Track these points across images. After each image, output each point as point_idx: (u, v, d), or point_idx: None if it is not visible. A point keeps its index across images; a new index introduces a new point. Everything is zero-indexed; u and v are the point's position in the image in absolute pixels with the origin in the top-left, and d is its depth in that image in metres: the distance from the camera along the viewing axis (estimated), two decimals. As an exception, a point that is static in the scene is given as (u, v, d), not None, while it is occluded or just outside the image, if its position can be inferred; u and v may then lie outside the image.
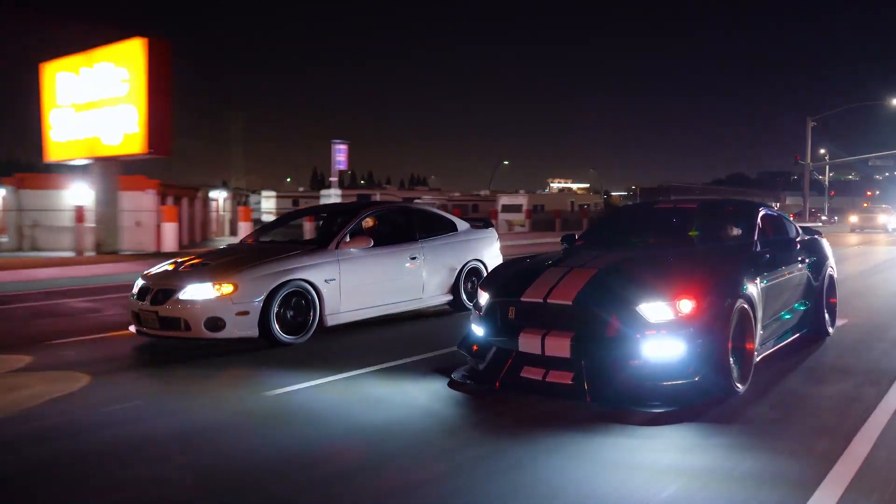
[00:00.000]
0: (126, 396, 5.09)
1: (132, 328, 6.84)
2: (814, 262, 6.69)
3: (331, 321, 7.10)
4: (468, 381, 5.15)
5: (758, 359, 5.26)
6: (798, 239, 6.62)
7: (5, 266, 13.22)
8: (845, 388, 5.20)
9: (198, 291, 6.37)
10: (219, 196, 31.98)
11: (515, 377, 4.78)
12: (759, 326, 5.21)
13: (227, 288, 6.39)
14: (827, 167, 63.88)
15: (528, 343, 4.73)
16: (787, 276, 6.01)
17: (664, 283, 4.66)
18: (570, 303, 4.69)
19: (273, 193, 50.29)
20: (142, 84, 11.96)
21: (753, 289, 5.14)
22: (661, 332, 4.46)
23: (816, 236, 7.30)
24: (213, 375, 5.77)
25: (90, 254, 16.03)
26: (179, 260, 7.29)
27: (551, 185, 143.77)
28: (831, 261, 7.21)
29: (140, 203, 20.22)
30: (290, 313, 6.73)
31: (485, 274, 8.31)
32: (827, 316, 6.85)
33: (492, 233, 9.45)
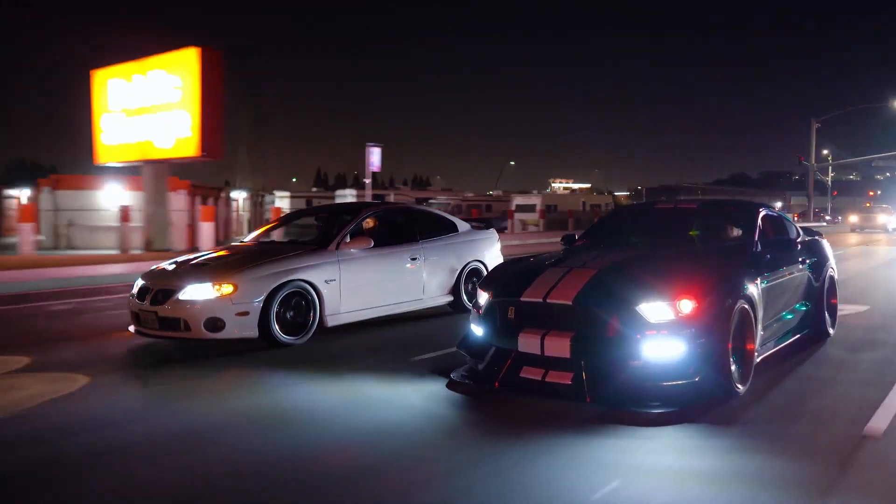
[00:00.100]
0: (125, 397, 5.09)
1: (132, 328, 6.84)
2: (814, 263, 6.68)
3: (331, 322, 7.09)
4: (467, 382, 5.15)
5: (758, 359, 5.25)
6: (798, 240, 6.62)
7: (65, 263, 13.65)
8: (847, 389, 5.19)
9: (197, 292, 6.37)
10: (238, 196, 32.88)
11: (515, 377, 4.77)
12: (759, 327, 5.21)
13: (227, 288, 6.39)
14: (830, 168, 64.04)
15: (528, 343, 4.72)
16: (788, 277, 6.00)
17: (664, 283, 4.66)
18: (569, 303, 4.68)
19: (287, 194, 50.50)
20: (195, 91, 12.50)
21: (754, 289, 5.14)
22: (662, 333, 4.45)
23: (817, 237, 7.30)
24: (212, 376, 5.77)
25: (136, 251, 16.14)
26: (179, 260, 7.30)
27: (552, 185, 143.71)
28: (832, 261, 7.20)
29: (171, 203, 20.48)
30: (290, 314, 6.73)
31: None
32: (828, 317, 6.84)
33: (492, 234, 9.44)
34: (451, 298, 8.52)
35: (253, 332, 6.47)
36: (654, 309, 4.50)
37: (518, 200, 42.52)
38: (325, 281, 7.02)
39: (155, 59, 13.27)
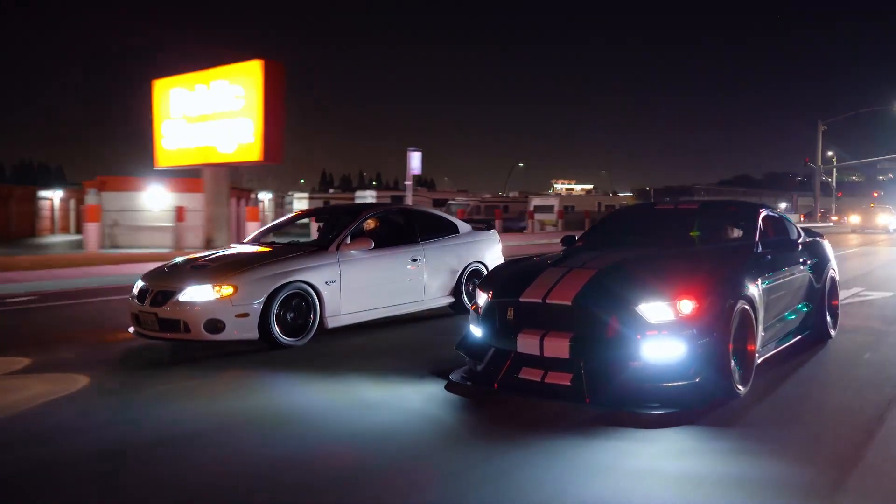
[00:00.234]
0: (124, 398, 5.08)
1: (132, 330, 6.83)
2: (815, 264, 6.65)
3: (331, 323, 7.08)
4: (466, 383, 5.13)
5: (759, 361, 5.22)
6: (799, 240, 6.59)
7: (132, 259, 14.09)
8: (849, 389, 5.17)
9: (197, 293, 6.37)
10: (265, 198, 33.88)
11: (514, 378, 4.75)
12: (760, 328, 5.18)
13: (227, 290, 6.38)
14: (835, 170, 64.31)
15: (527, 344, 4.70)
16: (789, 278, 5.98)
17: (664, 284, 4.64)
18: (569, 303, 4.66)
19: (305, 195, 50.86)
20: (258, 100, 13.31)
21: (755, 290, 5.12)
22: (661, 333, 4.43)
23: (818, 238, 7.28)
24: (212, 377, 5.76)
25: (189, 249, 16.50)
26: (179, 261, 7.30)
27: (555, 186, 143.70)
28: (833, 263, 7.18)
29: (196, 205, 21.82)
30: (290, 315, 6.72)
31: (486, 276, 8.28)
32: (829, 318, 6.81)
33: (493, 235, 9.43)
34: (451, 300, 8.50)
35: (253, 334, 6.46)
36: (654, 309, 4.48)
37: (536, 202, 43.27)
38: (326, 282, 7.01)
39: (217, 70, 14.17)
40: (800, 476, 3.54)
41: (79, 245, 23.24)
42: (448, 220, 9.12)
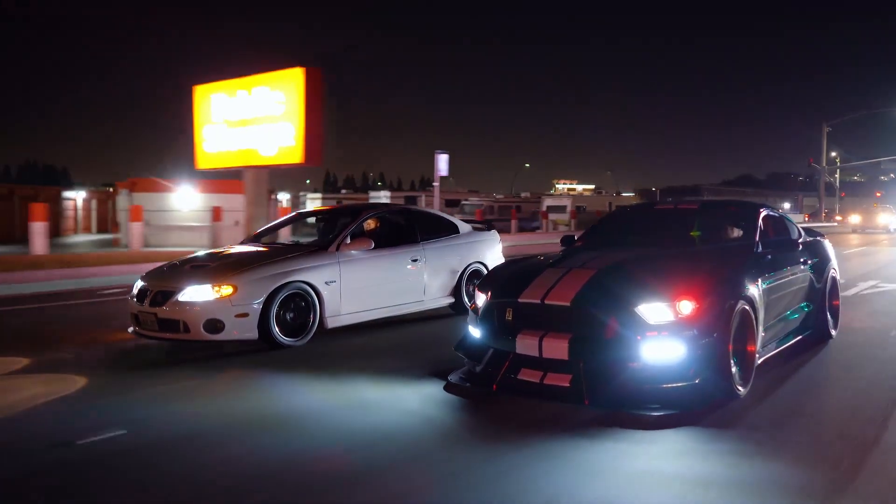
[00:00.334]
0: (122, 399, 5.07)
1: (131, 330, 6.83)
2: (816, 264, 6.63)
3: (331, 323, 7.07)
4: (465, 384, 5.11)
5: (759, 361, 5.19)
6: (800, 240, 6.57)
7: (174, 257, 14.33)
8: (850, 390, 5.15)
9: (197, 293, 6.36)
10: (283, 197, 34.90)
11: (513, 379, 4.73)
12: (760, 328, 5.16)
13: (227, 290, 6.38)
14: (839, 171, 64.74)
15: (526, 345, 4.68)
16: (789, 278, 5.96)
17: (664, 284, 4.62)
18: (568, 304, 4.64)
19: (319, 195, 51.16)
20: (300, 105, 14.02)
21: (755, 290, 5.09)
22: (661, 334, 4.41)
23: (819, 238, 7.25)
24: (211, 378, 5.75)
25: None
26: (179, 261, 7.29)
27: (556, 186, 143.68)
28: (834, 262, 7.15)
29: (236, 204, 22.27)
30: (289, 315, 6.71)
31: (487, 276, 8.27)
32: (829, 318, 6.79)
33: (494, 235, 9.41)
34: (452, 300, 8.49)
35: (252, 334, 6.46)
36: (654, 310, 4.46)
37: (549, 202, 43.90)
38: (326, 282, 7.00)
39: (259, 76, 14.98)
40: (800, 478, 3.52)
41: (108, 244, 24.56)
42: (448, 220, 9.10)
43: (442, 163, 25.70)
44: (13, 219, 28.08)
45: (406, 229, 8.35)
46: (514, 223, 29.07)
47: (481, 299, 5.20)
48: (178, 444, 4.12)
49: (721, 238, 6.22)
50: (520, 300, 4.87)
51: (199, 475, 3.67)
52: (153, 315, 6.44)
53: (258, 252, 7.30)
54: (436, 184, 26.60)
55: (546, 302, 4.72)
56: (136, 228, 18.87)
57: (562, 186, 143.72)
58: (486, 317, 5.08)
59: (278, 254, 7.07)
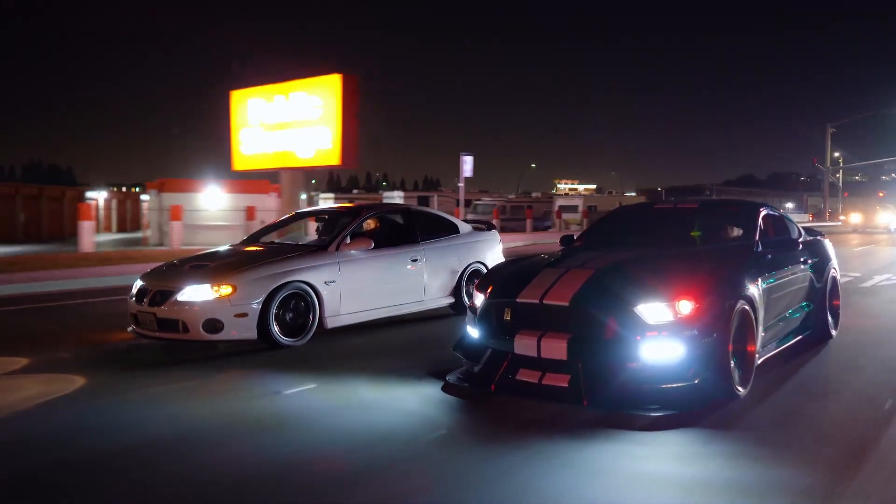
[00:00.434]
0: (121, 399, 5.06)
1: (130, 329, 6.82)
2: (816, 264, 6.61)
3: (331, 323, 7.06)
4: (463, 384, 5.09)
5: (759, 361, 5.17)
6: (800, 240, 6.55)
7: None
8: (851, 390, 5.13)
9: (196, 293, 6.35)
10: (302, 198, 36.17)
11: (511, 380, 4.71)
12: (760, 328, 5.14)
13: (226, 289, 6.37)
14: (842, 171, 65.25)
15: (524, 345, 4.66)
16: (789, 278, 5.93)
17: (663, 284, 4.60)
18: (566, 304, 4.62)
19: (331, 195, 51.41)
20: (337, 110, 14.61)
21: (755, 290, 5.07)
22: (660, 334, 4.39)
23: (819, 237, 7.23)
24: (210, 378, 5.74)
25: None
26: (178, 260, 7.28)
27: (558, 185, 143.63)
28: (834, 262, 7.13)
29: (264, 204, 23.39)
30: (289, 315, 6.70)
31: (486, 276, 8.25)
32: (830, 318, 6.77)
33: (494, 235, 9.40)
34: (452, 300, 8.47)
35: (252, 334, 6.45)
36: (653, 310, 4.44)
37: (561, 202, 44.82)
38: (325, 282, 6.99)
39: (296, 82, 15.61)
40: (800, 480, 3.50)
41: (137, 242, 25.59)
42: (448, 220, 9.09)
43: (467, 164, 26.64)
44: (40, 218, 29.18)
45: (406, 229, 8.33)
46: (529, 222, 30.78)
47: (479, 299, 5.18)
48: (178, 444, 4.12)
49: (721, 238, 6.20)
50: (518, 300, 4.85)
51: (199, 475, 3.66)
52: (152, 315, 6.43)
53: (257, 252, 7.29)
54: (461, 184, 27.61)
55: (545, 302, 4.70)
56: (176, 227, 19.98)
57: (563, 186, 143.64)
58: (485, 317, 5.06)
59: (278, 253, 7.06)
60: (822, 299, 6.63)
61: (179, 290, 6.39)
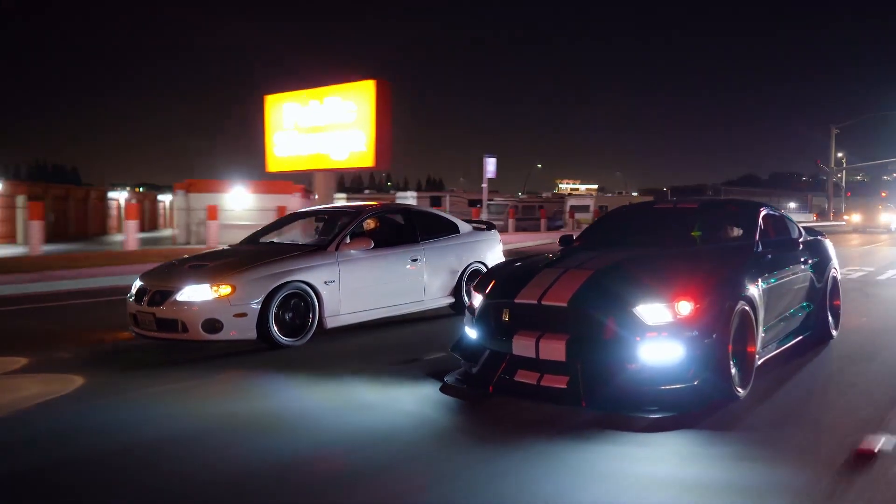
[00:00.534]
0: (119, 399, 5.05)
1: (130, 329, 6.81)
2: (816, 264, 6.58)
3: (330, 323, 7.05)
4: (461, 385, 5.07)
5: (759, 362, 5.14)
6: (801, 239, 6.52)
7: None
8: (851, 391, 5.10)
9: (195, 293, 6.34)
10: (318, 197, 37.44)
11: (509, 381, 4.69)
12: (760, 329, 5.11)
13: (225, 289, 6.36)
14: (844, 171, 65.64)
15: (522, 346, 4.64)
16: (790, 278, 5.91)
17: (662, 284, 4.58)
18: (564, 304, 4.60)
19: (343, 195, 51.76)
20: (371, 114, 15.32)
21: (755, 290, 5.05)
22: (659, 335, 4.37)
23: (819, 237, 7.20)
24: (209, 378, 5.72)
25: None
26: (177, 260, 7.27)
27: (560, 185, 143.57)
28: (835, 262, 7.10)
29: (289, 204, 24.21)
30: (288, 315, 6.69)
31: (487, 276, 8.23)
32: (830, 318, 6.74)
33: (494, 235, 9.38)
34: (452, 300, 8.46)
35: (251, 334, 6.44)
36: (652, 311, 4.42)
37: (572, 202, 45.73)
38: (325, 282, 6.97)
39: (331, 87, 16.37)
40: (801, 481, 3.48)
41: (162, 241, 26.21)
42: (448, 219, 9.07)
43: (490, 165, 27.83)
44: (66, 218, 29.90)
45: (406, 229, 8.32)
46: (543, 222, 32.96)
47: (478, 300, 5.16)
48: (177, 444, 4.11)
49: (721, 238, 6.18)
50: (516, 301, 4.83)
51: (199, 475, 3.65)
52: (151, 315, 6.42)
53: (257, 251, 7.28)
54: (484, 185, 28.94)
55: (543, 303, 4.68)
56: (213, 226, 20.90)
57: (565, 186, 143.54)
58: (483, 317, 5.04)
59: (277, 253, 7.05)
60: (823, 299, 6.61)
61: (179, 289, 6.38)
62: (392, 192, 57.63)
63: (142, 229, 37.80)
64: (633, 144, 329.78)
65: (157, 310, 6.38)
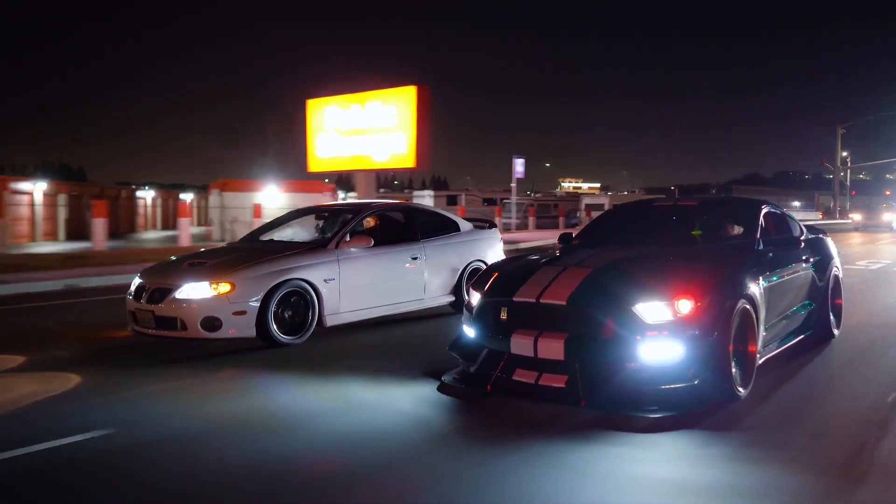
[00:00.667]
0: (117, 398, 5.03)
1: (129, 327, 6.79)
2: (818, 262, 6.53)
3: (330, 321, 7.03)
4: (459, 385, 5.04)
5: (760, 361, 5.10)
6: (802, 238, 6.48)
7: None
8: (853, 391, 5.07)
9: (194, 290, 6.31)
10: (340, 196, 39.87)
11: (507, 380, 4.66)
12: (761, 328, 5.07)
13: (224, 287, 6.33)
14: (849, 170, 65.95)
15: (521, 345, 4.60)
16: (791, 276, 5.87)
17: (662, 283, 4.54)
18: (563, 303, 4.56)
19: (355, 195, 52.10)
20: (412, 118, 16.20)
21: (755, 289, 5.01)
22: (659, 334, 4.33)
23: (821, 235, 7.15)
24: (207, 377, 5.70)
25: None
26: (177, 258, 7.25)
27: (562, 184, 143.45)
28: (836, 260, 7.05)
29: (321, 203, 24.00)
30: (288, 313, 6.66)
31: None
32: (832, 317, 6.70)
33: (495, 233, 9.35)
34: (452, 298, 8.43)
35: (250, 332, 6.42)
36: (652, 309, 4.38)
37: (587, 200, 47.04)
38: (325, 280, 6.95)
39: (371, 92, 17.25)
40: (801, 483, 3.44)
41: (197, 238, 26.47)
42: (449, 218, 9.04)
43: (518, 166, 29.27)
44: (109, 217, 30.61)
45: (406, 227, 8.29)
46: (561, 220, 34.96)
47: (475, 298, 5.13)
48: (176, 443, 4.09)
49: (721, 236, 6.14)
50: (514, 299, 4.79)
51: (197, 475, 3.64)
52: (150, 312, 6.40)
53: (256, 249, 7.26)
54: (513, 185, 30.36)
55: (541, 301, 4.64)
56: (257, 224, 21.25)
57: (567, 185, 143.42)
58: (481, 316, 5.00)
59: (277, 251, 7.02)
60: (825, 298, 6.56)
61: (178, 287, 6.36)
62: (405, 191, 57.69)
63: (165, 227, 39.17)
64: (632, 144, 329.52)
65: (156, 307, 6.36)
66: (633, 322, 4.37)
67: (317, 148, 18.45)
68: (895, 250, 19.67)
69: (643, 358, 4.32)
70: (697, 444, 3.98)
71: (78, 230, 29.17)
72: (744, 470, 3.63)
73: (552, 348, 4.48)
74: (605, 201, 45.19)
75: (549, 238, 24.78)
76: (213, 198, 28.09)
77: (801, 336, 6.16)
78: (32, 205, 27.21)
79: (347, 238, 7.33)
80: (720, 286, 4.69)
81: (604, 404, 4.37)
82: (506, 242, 21.66)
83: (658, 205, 7.19)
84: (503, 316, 4.85)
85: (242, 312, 6.34)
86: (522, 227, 32.71)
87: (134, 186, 43.53)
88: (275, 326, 6.52)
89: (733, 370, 4.57)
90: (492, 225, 9.58)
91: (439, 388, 5.06)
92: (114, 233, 30.25)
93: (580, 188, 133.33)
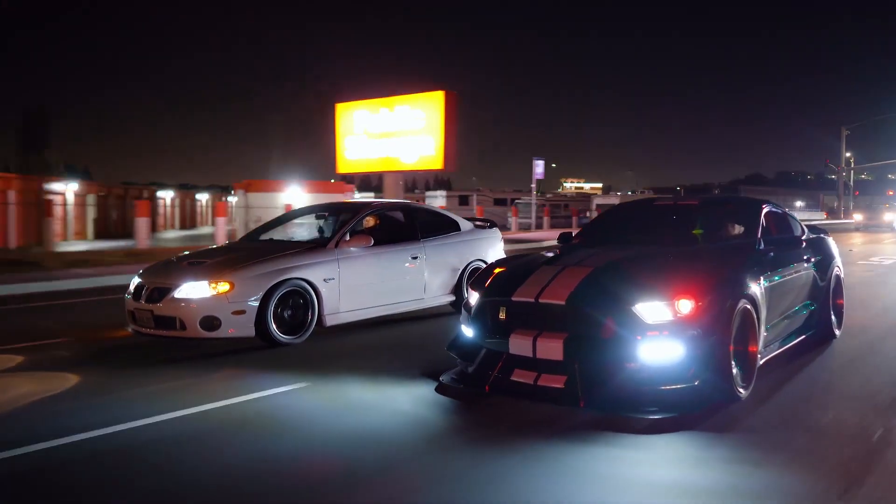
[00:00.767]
0: (115, 398, 5.02)
1: (128, 327, 6.78)
2: (819, 262, 6.50)
3: (330, 321, 7.01)
4: (458, 385, 5.01)
5: (761, 362, 5.07)
6: (803, 237, 6.45)
7: None
8: (854, 391, 5.04)
9: (193, 290, 6.30)
10: (356, 196, 39.31)
11: (506, 380, 4.62)
12: (762, 328, 5.04)
13: (224, 286, 6.32)
14: (852, 171, 66.21)
15: (519, 345, 4.58)
16: (792, 276, 5.84)
17: (662, 283, 4.51)
18: (562, 303, 4.53)
19: (371, 195, 52.25)
20: (440, 122, 16.86)
21: (756, 288, 4.98)
22: (659, 334, 4.30)
23: (822, 235, 7.12)
24: (206, 377, 5.68)
25: None
26: (176, 257, 7.24)
27: (564, 184, 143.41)
28: (838, 260, 7.02)
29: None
30: (287, 313, 6.65)
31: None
32: (833, 317, 6.67)
33: (495, 232, 9.33)
34: (452, 298, 8.41)
35: (250, 332, 6.40)
36: (652, 309, 4.35)
37: (598, 201, 48.03)
38: (324, 279, 6.93)
39: (400, 97, 17.96)
40: (801, 485, 3.42)
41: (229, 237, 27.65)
42: (449, 217, 9.02)
43: (538, 167, 30.31)
44: (124, 216, 32.15)
45: (406, 226, 8.27)
46: (574, 220, 36.00)
47: (474, 297, 5.10)
48: (175, 443, 4.08)
49: (722, 235, 6.11)
50: (513, 299, 4.76)
51: (196, 475, 3.63)
52: (149, 312, 6.38)
53: (256, 248, 7.24)
54: (533, 186, 31.53)
55: (540, 301, 4.61)
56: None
57: (569, 185, 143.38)
58: (479, 316, 4.98)
59: (276, 250, 7.01)
60: (826, 298, 6.53)
61: (177, 286, 6.34)
62: (416, 191, 57.70)
63: (183, 226, 40.12)
64: (633, 144, 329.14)
65: (154, 307, 6.35)
66: (633, 322, 4.34)
67: (346, 150, 19.20)
68: (895, 250, 19.66)
69: (643, 358, 4.29)
70: (697, 446, 3.95)
71: (104, 229, 30.18)
72: (744, 471, 3.60)
73: (551, 348, 4.45)
74: (616, 201, 45.68)
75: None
76: (238, 197, 28.54)
77: (803, 336, 6.13)
78: (64, 204, 27.78)
79: (347, 237, 7.32)
80: (721, 286, 4.67)
81: (603, 405, 4.34)
82: (526, 241, 21.86)
83: (658, 204, 7.16)
84: (502, 316, 4.82)
85: (242, 312, 6.33)
86: (538, 226, 32.75)
87: (154, 187, 44.34)
88: (274, 326, 6.50)
89: (734, 371, 4.54)
90: (492, 224, 9.56)
91: (437, 389, 5.04)
92: (130, 233, 31.23)
93: (582, 188, 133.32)
